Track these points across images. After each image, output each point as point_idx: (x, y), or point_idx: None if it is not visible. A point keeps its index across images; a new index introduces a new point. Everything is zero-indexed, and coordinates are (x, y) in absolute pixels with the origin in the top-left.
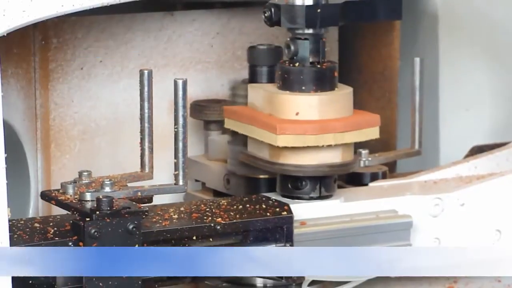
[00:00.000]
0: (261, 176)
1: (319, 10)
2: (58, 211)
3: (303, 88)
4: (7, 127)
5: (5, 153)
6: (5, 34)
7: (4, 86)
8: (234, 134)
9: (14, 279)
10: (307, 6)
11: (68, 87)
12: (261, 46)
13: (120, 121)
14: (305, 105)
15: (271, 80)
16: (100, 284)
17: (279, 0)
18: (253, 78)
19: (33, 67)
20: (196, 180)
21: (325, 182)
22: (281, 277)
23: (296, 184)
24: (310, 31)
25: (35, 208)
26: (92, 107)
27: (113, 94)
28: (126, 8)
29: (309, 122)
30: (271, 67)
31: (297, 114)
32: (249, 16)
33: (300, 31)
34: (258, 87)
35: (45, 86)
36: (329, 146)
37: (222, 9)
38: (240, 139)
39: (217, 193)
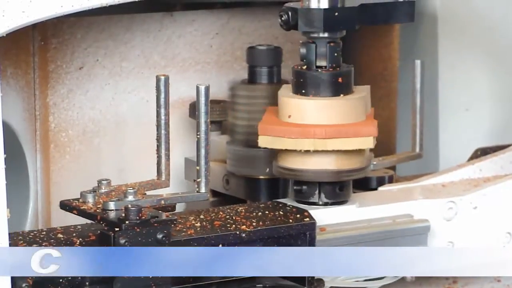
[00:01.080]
0: (261, 177)
1: (336, 14)
2: (57, 212)
3: (303, 91)
4: (6, 127)
5: (5, 153)
6: (5, 35)
7: (3, 86)
8: (233, 134)
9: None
10: (325, 9)
11: (67, 87)
12: (261, 46)
13: (119, 122)
14: (296, 109)
15: (270, 80)
16: None
17: (295, 4)
18: (252, 78)
19: (32, 67)
20: (195, 180)
21: (324, 188)
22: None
23: (297, 187)
24: (326, 35)
25: (34, 209)
26: (91, 107)
27: (113, 95)
28: (126, 9)
29: (292, 125)
30: (271, 68)
31: (289, 117)
32: (249, 16)
33: (315, 35)
34: (283, 88)
35: (44, 87)
36: (323, 151)
37: (221, 9)
38: (239, 140)
39: (216, 194)
